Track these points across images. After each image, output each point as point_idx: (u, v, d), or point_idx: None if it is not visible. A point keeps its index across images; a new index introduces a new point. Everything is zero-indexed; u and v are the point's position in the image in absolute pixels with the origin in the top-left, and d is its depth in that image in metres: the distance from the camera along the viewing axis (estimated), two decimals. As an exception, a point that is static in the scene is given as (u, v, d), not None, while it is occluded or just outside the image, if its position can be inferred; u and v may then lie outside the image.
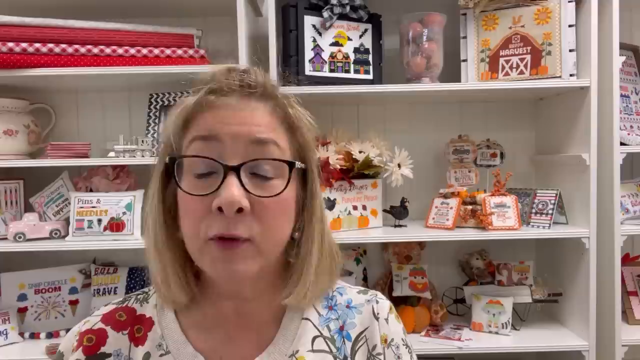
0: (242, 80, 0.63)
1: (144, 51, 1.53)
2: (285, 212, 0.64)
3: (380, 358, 0.71)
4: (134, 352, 0.68)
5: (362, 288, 0.78)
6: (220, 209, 0.58)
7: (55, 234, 1.58)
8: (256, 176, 0.61)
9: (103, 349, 0.68)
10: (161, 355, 0.67)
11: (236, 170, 0.59)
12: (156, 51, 1.54)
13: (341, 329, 0.71)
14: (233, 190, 0.58)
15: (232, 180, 0.58)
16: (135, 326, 0.70)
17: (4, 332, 1.58)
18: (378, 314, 0.73)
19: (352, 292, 0.76)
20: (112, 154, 1.57)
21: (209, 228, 0.59)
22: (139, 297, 0.73)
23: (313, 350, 0.68)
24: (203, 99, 0.62)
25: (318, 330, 0.70)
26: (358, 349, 0.70)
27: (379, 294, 0.76)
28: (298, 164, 0.64)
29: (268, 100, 0.64)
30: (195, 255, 0.62)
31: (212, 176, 0.60)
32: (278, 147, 0.62)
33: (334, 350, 0.69)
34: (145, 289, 0.75)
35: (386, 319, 0.73)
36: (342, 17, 1.58)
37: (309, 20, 1.55)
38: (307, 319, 0.70)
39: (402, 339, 0.74)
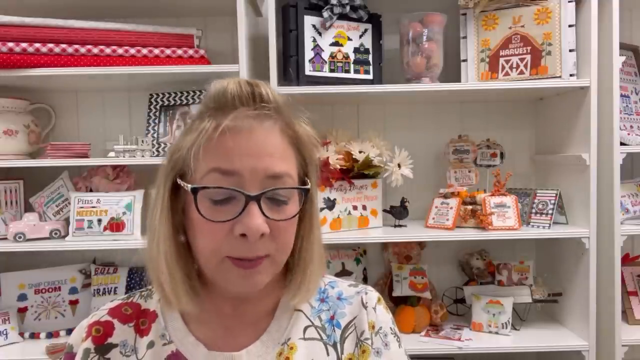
0: (254, 94, 0.65)
1: (144, 51, 1.53)
2: (294, 226, 0.69)
3: (368, 343, 0.74)
4: (139, 342, 0.72)
5: (353, 282, 0.82)
6: (242, 234, 0.62)
7: (55, 234, 1.58)
8: (272, 201, 0.64)
9: (110, 340, 0.72)
10: (164, 344, 0.71)
11: (257, 199, 0.62)
12: (156, 51, 1.54)
13: (332, 318, 0.76)
14: (258, 219, 0.62)
15: (254, 208, 0.62)
16: (140, 319, 0.74)
17: (4, 332, 1.58)
18: (366, 303, 0.77)
19: (344, 285, 0.81)
20: (112, 154, 1.57)
21: (229, 250, 0.63)
22: (143, 293, 0.77)
23: (304, 338, 0.73)
24: (219, 122, 0.63)
25: (310, 320, 0.75)
26: (347, 335, 0.75)
27: (369, 287, 0.80)
28: (307, 186, 0.68)
29: (279, 118, 0.66)
30: (210, 270, 0.66)
31: (231, 202, 0.63)
32: (291, 176, 0.66)
33: (324, 337, 0.74)
34: (149, 287, 0.78)
35: (374, 308, 0.77)
36: (342, 17, 1.58)
37: (309, 20, 1.55)
38: (299, 310, 0.75)
39: (391, 328, 0.78)
